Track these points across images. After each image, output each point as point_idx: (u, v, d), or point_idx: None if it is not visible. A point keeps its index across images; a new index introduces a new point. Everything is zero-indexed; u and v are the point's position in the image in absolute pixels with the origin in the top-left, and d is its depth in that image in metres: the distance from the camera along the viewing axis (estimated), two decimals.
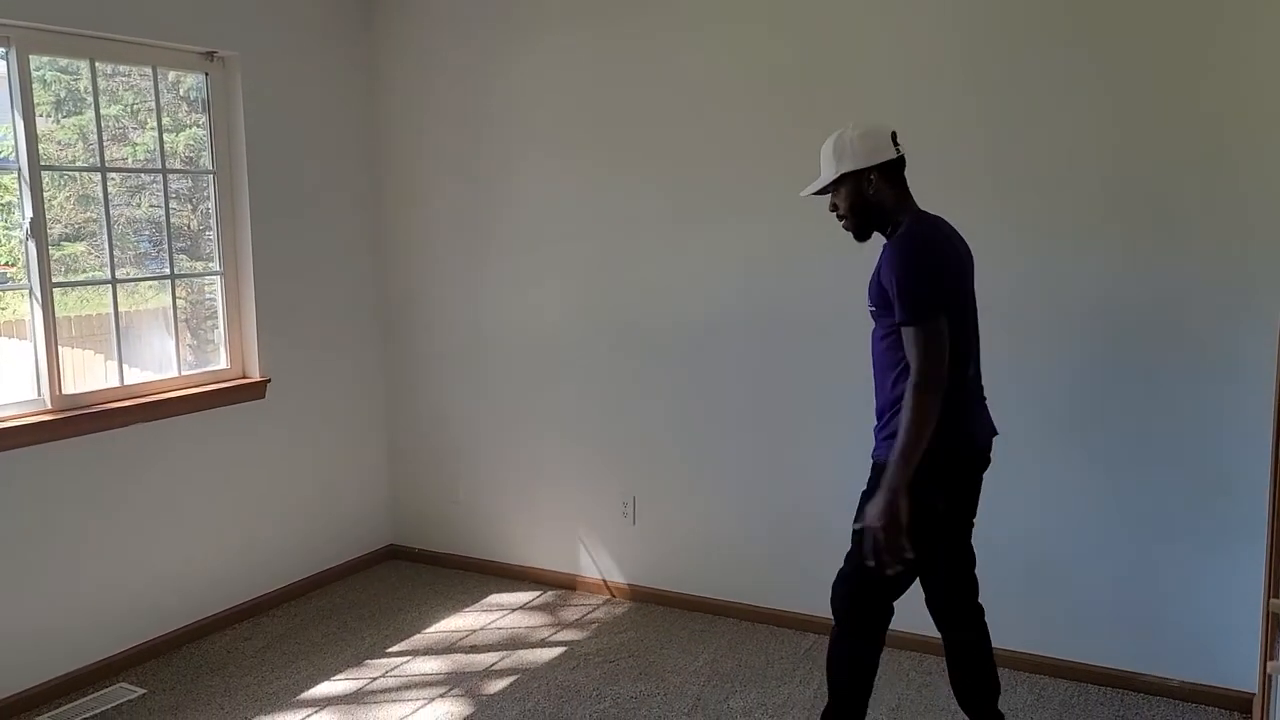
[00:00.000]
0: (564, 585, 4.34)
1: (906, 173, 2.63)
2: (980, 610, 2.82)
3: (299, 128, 4.22)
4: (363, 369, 4.60)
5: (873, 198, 2.60)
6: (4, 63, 3.35)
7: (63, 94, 3.86)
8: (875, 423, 2.68)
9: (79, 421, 3.47)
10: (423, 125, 4.45)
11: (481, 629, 3.97)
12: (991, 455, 2.74)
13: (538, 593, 4.31)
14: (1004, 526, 3.48)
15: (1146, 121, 3.16)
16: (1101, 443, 3.32)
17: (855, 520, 2.61)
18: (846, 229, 2.68)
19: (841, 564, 2.72)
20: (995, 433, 2.74)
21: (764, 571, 3.93)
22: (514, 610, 4.14)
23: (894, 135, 2.61)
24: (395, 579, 4.52)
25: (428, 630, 3.96)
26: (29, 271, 3.45)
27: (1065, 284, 3.32)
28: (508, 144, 4.25)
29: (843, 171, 2.59)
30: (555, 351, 4.25)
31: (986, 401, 2.74)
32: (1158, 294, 3.20)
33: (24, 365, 3.49)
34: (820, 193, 2.70)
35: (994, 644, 3.23)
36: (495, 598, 4.27)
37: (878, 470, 2.58)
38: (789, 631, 3.86)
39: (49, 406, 3.47)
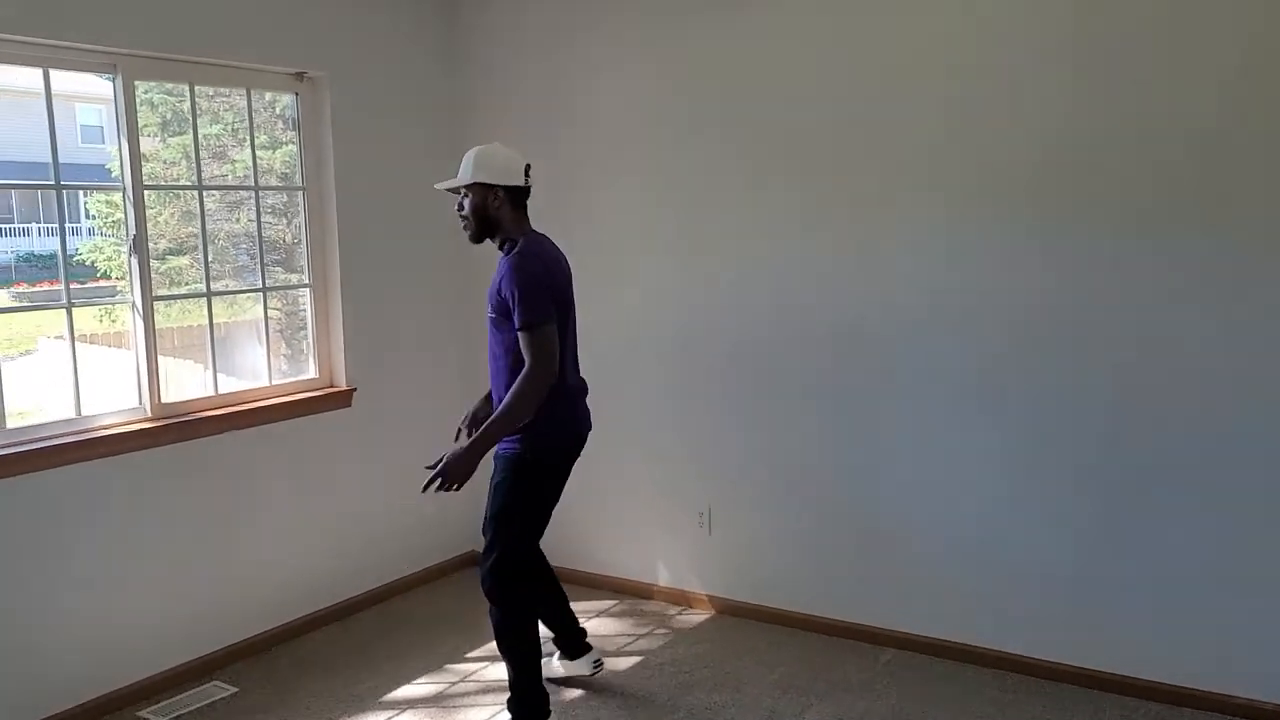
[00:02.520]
0: (640, 594, 4.37)
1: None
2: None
3: (385, 143, 4.34)
4: (445, 377, 4.70)
5: (494, 212, 3.05)
6: (111, 87, 3.52)
7: (169, 115, 4.05)
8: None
9: (176, 429, 3.63)
10: (504, 138, 4.52)
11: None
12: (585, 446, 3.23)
13: (614, 601, 4.35)
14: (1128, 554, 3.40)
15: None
16: (1207, 476, 3.23)
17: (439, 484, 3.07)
18: (464, 229, 3.12)
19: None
20: (591, 426, 3.25)
21: (841, 584, 3.90)
22: (590, 618, 4.18)
23: (528, 168, 3.09)
24: (476, 585, 4.57)
25: None
26: (131, 285, 3.62)
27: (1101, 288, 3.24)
28: (588, 157, 4.31)
29: (476, 180, 3.02)
30: (632, 360, 4.28)
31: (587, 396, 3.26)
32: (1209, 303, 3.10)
33: (128, 374, 3.66)
34: (451, 190, 3.11)
35: (1093, 667, 3.22)
36: (572, 605, 4.30)
37: (500, 461, 3.13)
38: (865, 645, 3.82)
39: (149, 414, 3.63)
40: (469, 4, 4.54)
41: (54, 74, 3.37)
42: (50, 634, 3.30)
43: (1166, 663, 3.31)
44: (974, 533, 3.61)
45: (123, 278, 3.73)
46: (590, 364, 4.39)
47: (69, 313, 3.48)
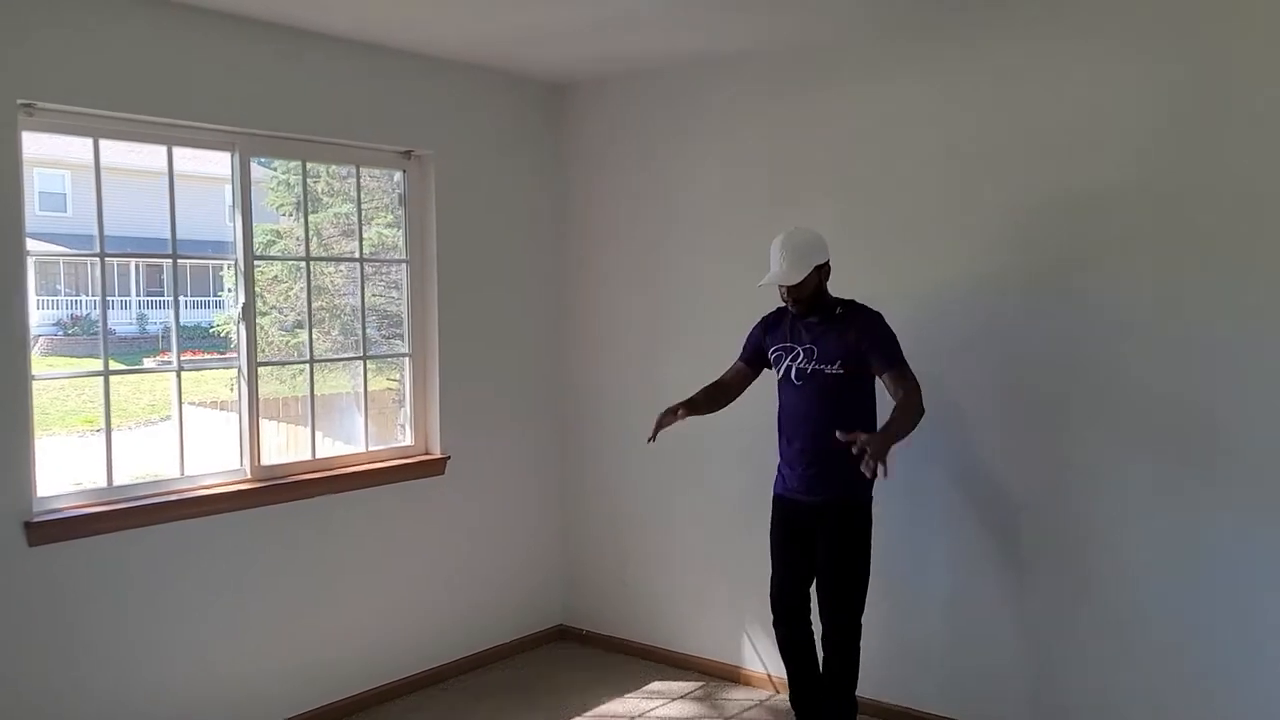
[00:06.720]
0: (728, 677, 4.24)
1: None
2: None
3: (486, 219, 4.46)
4: (539, 450, 4.73)
5: (825, 284, 3.25)
6: (229, 164, 3.73)
7: (304, 196, 4.27)
8: (799, 463, 3.34)
9: (274, 491, 3.74)
10: (604, 215, 4.61)
11: (639, 716, 3.92)
12: None
13: (701, 683, 4.23)
14: None
15: None
16: None
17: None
18: (793, 309, 3.27)
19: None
20: None
21: (947, 677, 3.71)
22: (674, 699, 4.07)
23: None
24: (562, 660, 4.55)
25: (587, 713, 3.96)
26: (239, 351, 3.78)
27: None
28: (684, 232, 4.34)
29: (815, 264, 3.19)
30: (729, 438, 4.20)
31: None
32: None
33: (275, 437, 3.81)
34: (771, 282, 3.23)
35: None
36: (657, 685, 4.22)
37: (855, 512, 3.29)
38: None
39: (248, 476, 3.76)
40: (570, 89, 4.66)
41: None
42: (141, 685, 3.39)
43: None
44: None
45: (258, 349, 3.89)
46: (689, 441, 4.33)
47: (178, 378, 3.67)
